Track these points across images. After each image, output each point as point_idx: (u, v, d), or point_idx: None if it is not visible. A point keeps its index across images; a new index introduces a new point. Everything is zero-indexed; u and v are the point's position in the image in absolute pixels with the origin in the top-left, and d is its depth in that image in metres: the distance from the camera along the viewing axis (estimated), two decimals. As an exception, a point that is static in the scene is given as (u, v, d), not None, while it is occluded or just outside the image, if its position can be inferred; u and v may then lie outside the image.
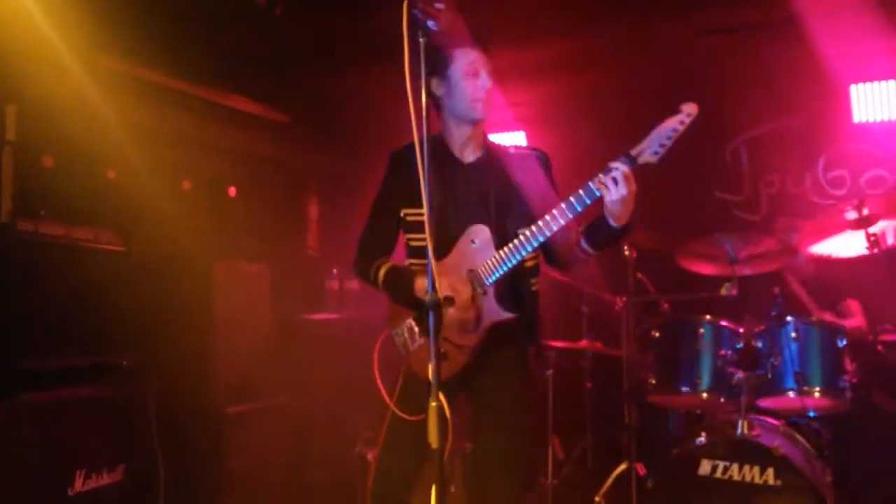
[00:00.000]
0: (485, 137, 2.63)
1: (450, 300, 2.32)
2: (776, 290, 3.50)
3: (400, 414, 2.44)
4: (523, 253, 2.39)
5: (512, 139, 5.26)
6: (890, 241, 3.52)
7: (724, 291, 3.47)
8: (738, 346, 3.50)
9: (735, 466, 3.15)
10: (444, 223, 2.48)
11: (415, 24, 2.00)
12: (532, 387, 2.55)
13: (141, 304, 3.33)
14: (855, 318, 3.98)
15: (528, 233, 2.38)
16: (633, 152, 2.30)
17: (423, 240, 2.48)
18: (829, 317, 3.84)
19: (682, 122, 2.25)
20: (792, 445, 3.30)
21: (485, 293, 2.43)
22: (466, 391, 2.55)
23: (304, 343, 4.38)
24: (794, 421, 3.55)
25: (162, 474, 3.22)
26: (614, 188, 2.27)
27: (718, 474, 3.16)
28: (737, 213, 5.04)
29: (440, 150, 2.58)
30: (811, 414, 3.53)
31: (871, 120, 4.61)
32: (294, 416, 4.20)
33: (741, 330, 3.54)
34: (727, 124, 5.05)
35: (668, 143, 2.27)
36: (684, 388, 3.48)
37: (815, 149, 4.83)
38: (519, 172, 2.56)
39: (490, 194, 2.49)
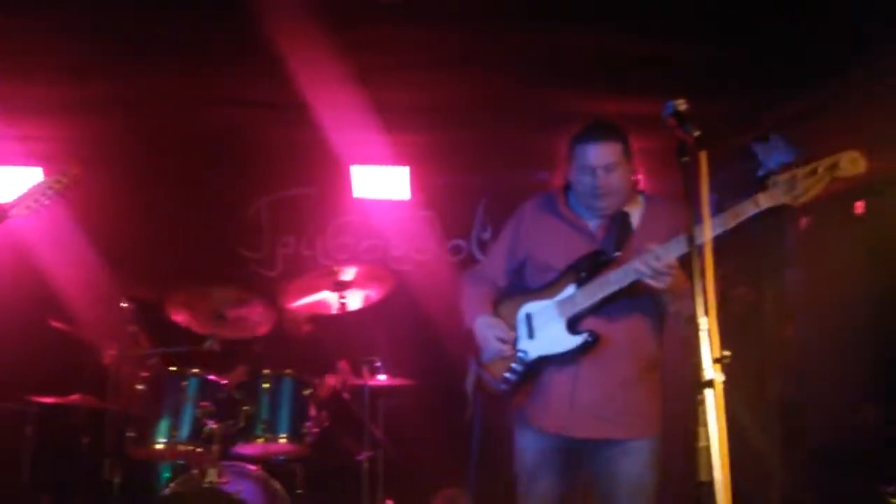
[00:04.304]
0: None
1: None
2: (256, 347, 3.83)
3: None
4: None
5: (26, 174, 4.88)
6: (357, 305, 4.11)
7: (206, 346, 3.69)
8: (220, 398, 3.72)
9: (199, 514, 3.32)
10: None
11: None
12: None
13: None
14: (340, 376, 4.45)
15: None
16: (7, 206, 2.34)
17: None
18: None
19: (58, 181, 2.35)
20: (259, 489, 3.60)
21: None
22: None
23: None
24: (272, 463, 3.88)
25: None
26: None
27: (183, 524, 3.31)
28: (255, 269, 5.38)
29: None
30: (282, 458, 3.90)
31: (368, 197, 5.37)
32: None
33: (225, 382, 3.78)
34: (252, 186, 5.44)
35: (45, 199, 2.34)
36: (161, 440, 3.58)
37: (325, 217, 5.45)
38: None
39: None
